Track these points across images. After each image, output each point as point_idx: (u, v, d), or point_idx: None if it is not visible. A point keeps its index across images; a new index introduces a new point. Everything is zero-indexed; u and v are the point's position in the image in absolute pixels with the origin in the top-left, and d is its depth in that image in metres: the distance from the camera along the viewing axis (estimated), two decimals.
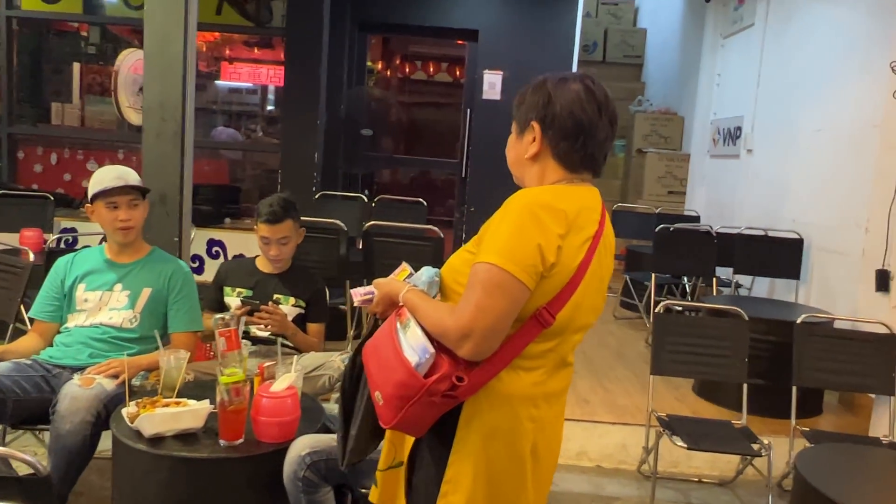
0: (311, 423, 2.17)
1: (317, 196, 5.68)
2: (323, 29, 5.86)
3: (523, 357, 1.40)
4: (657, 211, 6.75)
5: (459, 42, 8.47)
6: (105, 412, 2.25)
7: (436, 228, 3.81)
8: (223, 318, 2.08)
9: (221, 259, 5.89)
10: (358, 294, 1.60)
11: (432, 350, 1.32)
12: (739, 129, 6.19)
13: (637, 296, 5.38)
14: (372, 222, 3.82)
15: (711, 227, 5.14)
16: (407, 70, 11.16)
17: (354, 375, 1.55)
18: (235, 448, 2.01)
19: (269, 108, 7.74)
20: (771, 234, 5.02)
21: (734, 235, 4.93)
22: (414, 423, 1.37)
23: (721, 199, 6.56)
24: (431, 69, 11.42)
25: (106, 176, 2.60)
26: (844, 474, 2.34)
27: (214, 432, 2.05)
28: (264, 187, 7.37)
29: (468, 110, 7.12)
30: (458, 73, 11.54)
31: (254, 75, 7.38)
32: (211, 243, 5.91)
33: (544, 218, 1.35)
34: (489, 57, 6.96)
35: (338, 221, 3.69)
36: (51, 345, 2.63)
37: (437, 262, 3.67)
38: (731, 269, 4.96)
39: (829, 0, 4.85)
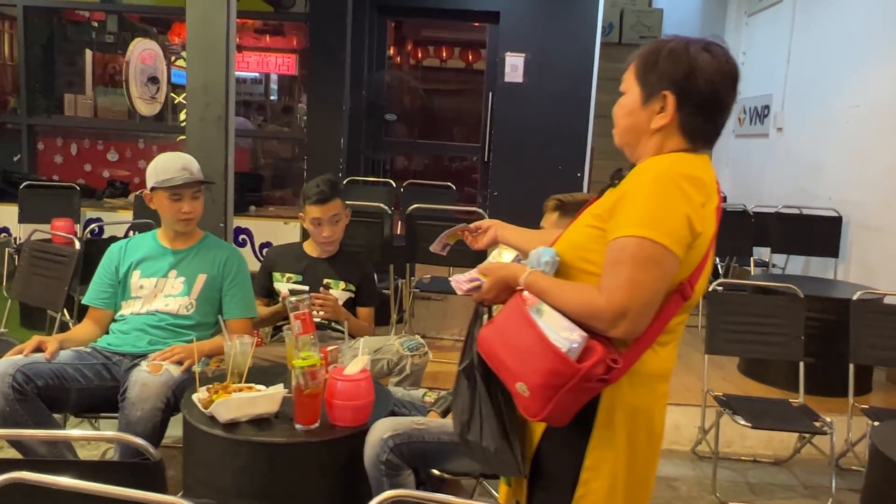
0: (382, 407, 2.15)
1: (344, 182, 5.63)
2: (347, 13, 5.79)
3: (662, 332, 1.36)
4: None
5: (476, 24, 8.41)
6: (174, 399, 2.22)
7: (481, 210, 3.76)
8: (296, 301, 2.05)
9: (248, 247, 5.86)
10: (461, 282, 1.50)
11: (584, 333, 1.27)
12: (768, 107, 6.12)
13: None
14: (415, 205, 3.78)
15: (746, 207, 5.09)
16: (419, 56, 11.09)
17: (473, 373, 1.48)
18: (312, 432, 1.98)
19: (272, 97, 7.69)
20: (806, 212, 4.97)
21: (770, 214, 4.89)
22: (562, 413, 1.31)
23: (748, 178, 6.51)
24: (444, 54, 11.35)
25: (171, 165, 2.56)
26: None
27: (288, 417, 2.03)
28: (284, 176, 7.34)
29: (490, 93, 7.06)
30: (470, 57, 11.46)
31: (262, 64, 7.33)
32: (237, 231, 5.88)
33: (687, 187, 1.30)
34: (511, 39, 6.89)
35: (381, 205, 3.65)
36: (106, 332, 2.61)
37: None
38: (767, 249, 4.91)
39: None
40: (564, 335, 1.28)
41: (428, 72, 10.28)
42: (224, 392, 2.04)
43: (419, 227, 3.63)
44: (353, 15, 6.30)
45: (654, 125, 1.40)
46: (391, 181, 5.66)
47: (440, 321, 4.55)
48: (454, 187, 5.52)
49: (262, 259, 3.07)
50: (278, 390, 2.03)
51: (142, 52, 6.46)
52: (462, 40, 10.56)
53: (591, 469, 1.37)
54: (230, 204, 3.29)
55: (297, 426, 1.99)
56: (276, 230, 5.86)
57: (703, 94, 1.38)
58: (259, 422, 2.01)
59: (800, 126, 5.54)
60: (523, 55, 6.89)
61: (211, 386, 2.10)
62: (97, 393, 2.37)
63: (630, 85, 1.43)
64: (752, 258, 4.86)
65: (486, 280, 1.46)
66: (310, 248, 2.94)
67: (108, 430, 2.86)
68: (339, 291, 2.87)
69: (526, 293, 1.39)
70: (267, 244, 5.77)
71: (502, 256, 1.54)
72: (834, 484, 2.85)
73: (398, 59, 9.99)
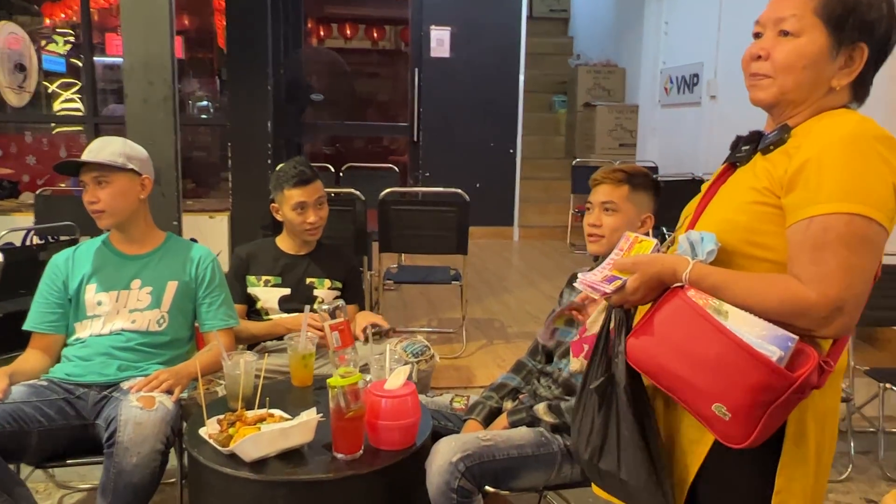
0: (425, 423, 1.86)
1: (272, 174, 5.18)
2: None
3: None
4: (616, 164, 6.68)
5: None
6: (173, 437, 1.85)
7: (461, 191, 3.50)
8: (332, 309, 1.72)
9: None
10: (595, 283, 1.23)
11: (793, 335, 1.04)
12: (697, 76, 6.15)
13: None
14: (389, 189, 3.45)
15: (695, 175, 5.09)
16: (322, 34, 10.58)
17: (612, 392, 1.24)
18: (357, 462, 1.67)
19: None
20: None
21: None
22: (766, 434, 1.08)
23: (678, 148, 6.55)
24: (348, 32, 10.88)
25: (86, 150, 2.15)
26: None
27: (321, 445, 1.71)
28: (201, 167, 6.77)
29: (416, 69, 6.76)
30: (375, 34, 11.06)
31: None
32: None
33: (884, 151, 1.08)
34: (435, 12, 6.61)
35: (355, 191, 3.31)
36: (58, 360, 2.17)
37: (463, 229, 3.37)
38: None
39: None
40: (774, 340, 1.04)
41: (344, 52, 9.81)
42: (243, 424, 1.70)
43: (393, 214, 3.33)
44: None
45: (837, 82, 1.17)
46: (329, 166, 5.27)
47: (403, 312, 4.27)
48: (397, 169, 5.21)
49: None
50: (312, 416, 1.70)
51: (6, 36, 5.69)
52: (370, 17, 10.15)
53: (783, 492, 1.16)
54: (180, 198, 2.86)
55: (339, 456, 1.67)
56: (202, 226, 5.35)
57: (889, 49, 1.18)
58: (288, 456, 1.68)
59: (736, 93, 5.57)
60: (449, 28, 6.63)
61: (222, 417, 1.74)
62: (62, 435, 1.96)
63: (808, 27, 1.16)
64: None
65: (629, 278, 1.20)
66: (285, 244, 2.59)
67: (73, 479, 2.42)
68: (324, 290, 2.53)
69: (692, 291, 1.14)
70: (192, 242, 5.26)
71: (642, 247, 1.27)
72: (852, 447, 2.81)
73: (312, 38, 9.48)
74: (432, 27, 6.60)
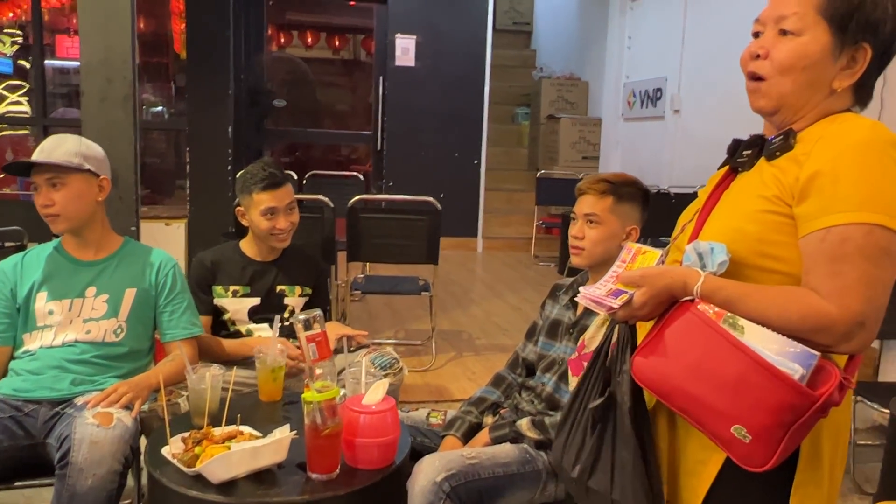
0: (403, 440, 1.76)
1: (238, 175, 5.03)
2: None
3: None
4: (580, 177, 6.70)
5: (352, 4, 7.95)
6: (132, 456, 1.71)
7: (432, 199, 3.41)
8: (308, 319, 1.62)
9: None
10: (600, 298, 1.15)
11: (814, 352, 0.99)
12: (660, 90, 6.21)
13: None
14: (358, 196, 3.35)
15: (661, 187, 5.11)
16: (282, 40, 10.42)
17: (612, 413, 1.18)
18: (335, 482, 1.56)
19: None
20: None
21: (690, 195, 4.91)
22: (787, 454, 1.02)
23: (640, 161, 6.59)
24: (309, 39, 10.74)
25: (38, 148, 2.00)
26: None
27: (295, 465, 1.60)
28: (156, 172, 6.56)
29: (380, 78, 6.67)
30: (337, 43, 10.95)
31: None
32: None
33: None
34: (401, 20, 6.55)
35: (324, 198, 3.20)
36: (4, 375, 2.01)
37: (434, 238, 3.29)
38: None
39: None
40: (796, 357, 0.98)
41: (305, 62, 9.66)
42: (210, 443, 1.58)
43: (362, 222, 3.22)
44: None
45: (839, 84, 1.12)
46: (292, 173, 5.13)
47: (368, 324, 4.15)
48: (361, 177, 5.11)
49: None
50: (285, 434, 1.59)
51: None
52: (331, 25, 10.04)
53: None
54: (139, 203, 2.72)
55: (314, 476, 1.56)
56: (158, 233, 5.16)
57: (893, 50, 1.13)
58: (259, 476, 1.56)
59: (699, 107, 5.66)
60: (414, 37, 6.58)
61: (186, 435, 1.62)
62: (8, 455, 1.82)
63: (810, 25, 1.11)
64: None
65: (637, 291, 1.13)
66: (251, 250, 2.44)
67: (19, 503, 2.24)
68: (295, 298, 2.42)
69: (703, 305, 1.08)
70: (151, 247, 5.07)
71: (647, 259, 1.20)
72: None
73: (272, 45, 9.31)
74: (398, 35, 6.54)
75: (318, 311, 1.72)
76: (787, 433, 0.98)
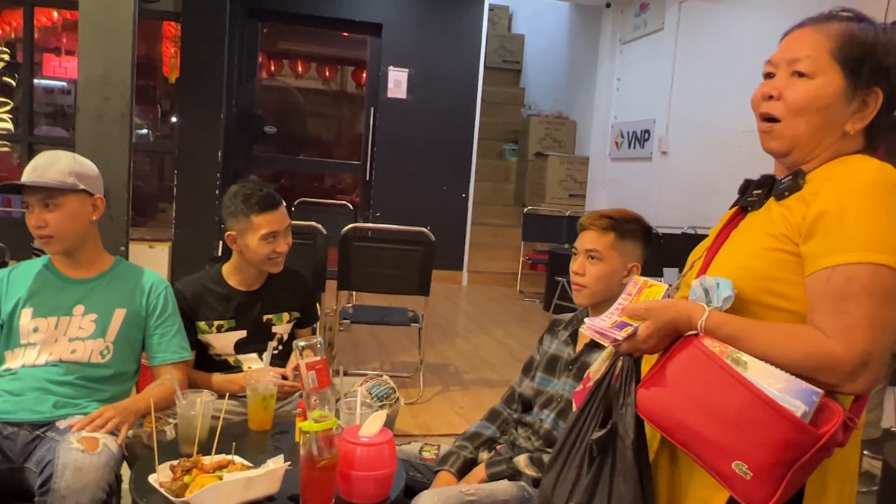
0: (400, 476, 1.71)
1: (226, 197, 4.99)
2: (225, 10, 5.19)
3: None
4: (567, 214, 6.74)
5: (346, 35, 8.00)
6: (116, 483, 1.64)
7: (426, 230, 3.39)
8: (309, 345, 1.57)
9: None
10: (605, 329, 1.14)
11: (818, 390, 0.98)
12: (648, 132, 6.30)
13: None
14: (352, 225, 3.32)
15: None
16: (272, 69, 10.45)
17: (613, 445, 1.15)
18: None
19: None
20: (700, 232, 5.09)
21: (678, 235, 4.95)
22: (789, 494, 1.00)
23: (627, 200, 6.65)
24: (300, 69, 10.78)
25: (30, 166, 1.95)
26: None
27: (287, 497, 1.55)
28: (142, 194, 6.49)
29: (371, 109, 6.70)
30: (327, 73, 11.00)
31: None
32: None
33: None
34: (394, 53, 6.60)
35: (317, 224, 3.16)
36: None
37: (426, 270, 3.27)
38: (674, 269, 4.97)
39: (747, 6, 5.02)
40: (799, 395, 0.98)
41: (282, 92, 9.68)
42: (200, 472, 1.52)
43: (354, 250, 3.19)
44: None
45: (851, 126, 1.14)
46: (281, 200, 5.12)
47: (353, 354, 4.10)
48: (350, 206, 5.10)
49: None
50: (279, 464, 1.54)
51: None
52: (325, 56, 10.09)
53: None
54: (129, 223, 2.67)
55: None
56: (142, 255, 5.07)
57: None
58: None
59: (687, 149, 5.73)
60: (406, 70, 6.63)
61: (175, 463, 1.56)
62: None
63: (824, 69, 1.13)
64: (661, 279, 4.88)
65: (642, 324, 1.12)
66: (235, 278, 2.27)
67: None
68: (283, 325, 2.31)
69: (707, 340, 1.07)
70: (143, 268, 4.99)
71: (652, 293, 1.20)
72: None
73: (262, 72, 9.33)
74: (390, 68, 6.58)
75: (318, 339, 1.67)
76: (789, 471, 0.97)
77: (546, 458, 1.77)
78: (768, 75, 1.23)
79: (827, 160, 1.16)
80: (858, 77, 1.12)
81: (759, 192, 1.22)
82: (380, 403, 2.20)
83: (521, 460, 1.78)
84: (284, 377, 2.09)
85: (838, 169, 1.12)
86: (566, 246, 6.30)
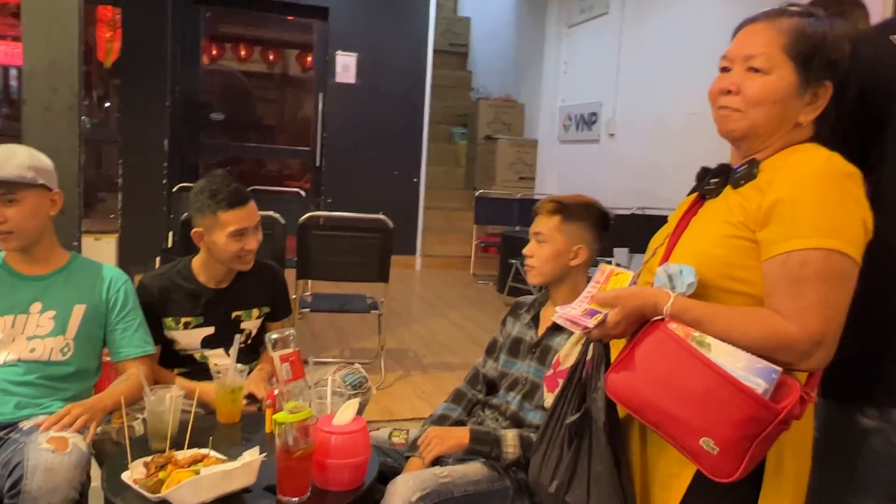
0: (374, 463, 1.74)
1: (174, 189, 4.90)
2: None
3: None
4: (518, 197, 6.82)
5: (290, 18, 7.87)
6: (87, 483, 1.63)
7: (384, 217, 3.40)
8: (281, 338, 1.58)
9: None
10: (576, 318, 1.20)
11: (777, 368, 1.05)
12: (595, 114, 6.41)
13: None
14: (309, 214, 3.31)
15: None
16: (214, 53, 10.20)
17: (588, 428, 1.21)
18: None
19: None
20: (649, 212, 5.23)
21: (628, 217, 5.07)
22: (753, 465, 1.07)
23: (576, 182, 6.76)
24: (243, 53, 10.56)
25: None
26: None
27: (263, 488, 1.56)
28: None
29: (320, 94, 6.63)
30: (271, 57, 10.80)
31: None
32: None
33: (852, 187, 1.12)
34: (342, 37, 6.54)
35: (274, 214, 3.14)
36: None
37: (385, 256, 3.28)
38: (625, 249, 5.09)
39: None
40: (759, 372, 1.05)
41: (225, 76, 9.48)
42: (176, 467, 1.52)
43: (313, 239, 3.18)
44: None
45: (804, 118, 1.21)
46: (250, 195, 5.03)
47: (312, 342, 4.09)
48: (302, 193, 5.06)
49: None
50: (255, 456, 1.55)
51: None
52: (265, 38, 9.90)
53: None
54: (81, 217, 2.61)
55: (284, 499, 1.53)
56: (86, 248, 4.93)
57: (847, 87, 1.22)
58: (227, 501, 1.51)
59: (633, 132, 5.86)
60: (355, 55, 6.57)
61: (149, 459, 1.56)
62: None
63: (778, 64, 1.19)
64: (613, 259, 4.99)
65: (611, 311, 1.18)
66: (205, 275, 2.20)
67: None
68: (252, 321, 2.26)
69: (672, 324, 1.13)
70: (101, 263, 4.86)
71: (619, 280, 1.26)
72: None
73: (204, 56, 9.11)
74: (338, 52, 6.51)
75: (291, 331, 1.68)
76: (752, 445, 1.04)
77: (491, 425, 1.83)
78: (724, 69, 1.28)
79: (780, 149, 1.22)
80: (810, 71, 1.18)
81: (717, 180, 1.28)
82: (353, 392, 2.21)
83: (510, 436, 1.81)
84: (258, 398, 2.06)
85: (791, 158, 1.19)
86: (517, 228, 6.38)
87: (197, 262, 2.22)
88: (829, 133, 1.27)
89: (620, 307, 1.17)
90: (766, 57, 1.20)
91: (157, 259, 4.50)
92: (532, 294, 2.19)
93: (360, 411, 2.18)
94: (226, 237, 2.09)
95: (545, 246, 1.90)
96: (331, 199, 6.61)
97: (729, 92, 1.24)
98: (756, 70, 1.20)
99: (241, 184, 2.18)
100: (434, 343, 4.32)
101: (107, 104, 6.78)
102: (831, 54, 1.18)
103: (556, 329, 1.90)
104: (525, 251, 1.95)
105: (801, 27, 1.19)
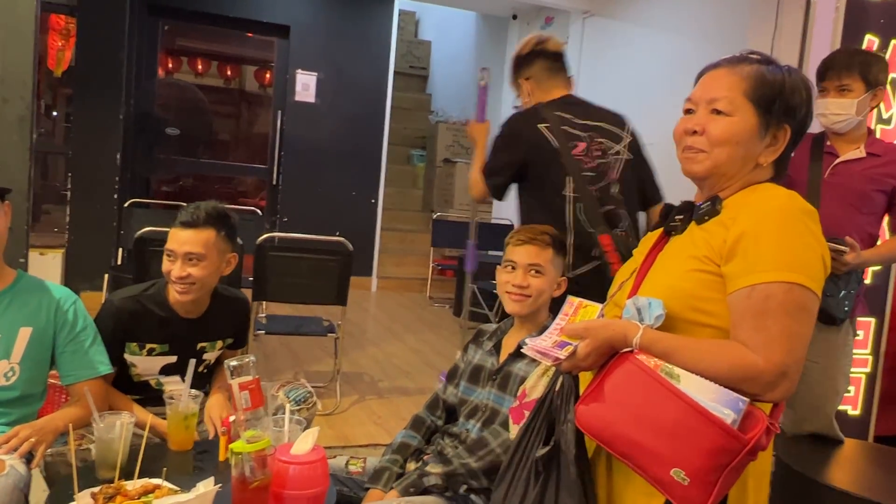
0: (332, 494, 1.70)
1: (126, 205, 4.77)
2: (125, 7, 4.97)
3: None
4: (476, 220, 6.83)
5: (250, 35, 7.81)
6: None
7: (344, 240, 3.36)
8: (240, 364, 1.54)
9: None
10: (546, 349, 1.21)
11: (744, 398, 1.07)
12: None
13: (487, 305, 5.32)
14: (267, 234, 3.25)
15: None
16: (170, 66, 10.05)
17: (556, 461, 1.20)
18: None
19: None
20: None
21: None
22: (721, 495, 1.08)
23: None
24: (200, 67, 10.43)
25: None
26: None
27: None
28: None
29: (279, 111, 6.57)
30: (229, 73, 10.69)
31: None
32: None
33: (811, 225, 1.17)
34: (302, 56, 6.50)
35: None
36: None
37: (344, 279, 3.25)
38: None
39: (650, 25, 5.28)
40: (727, 403, 1.07)
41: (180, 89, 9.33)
42: (126, 498, 1.46)
43: (271, 260, 3.12)
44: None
45: (764, 159, 1.26)
46: (183, 204, 4.92)
47: (265, 365, 4.00)
48: (259, 211, 4.98)
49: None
50: (210, 487, 1.50)
51: None
52: (224, 54, 9.80)
53: None
54: (28, 233, 2.52)
55: None
56: (32, 264, 4.76)
57: (804, 131, 1.29)
58: None
59: None
60: (315, 74, 6.55)
61: (97, 490, 1.49)
62: None
63: (740, 107, 1.25)
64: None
65: (580, 343, 1.19)
66: (177, 303, 2.09)
67: None
68: (214, 352, 2.19)
69: (642, 356, 1.14)
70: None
71: (588, 313, 1.27)
72: None
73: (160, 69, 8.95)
74: (298, 71, 6.48)
75: (251, 358, 1.64)
76: (721, 475, 1.05)
77: (452, 455, 1.82)
78: (688, 111, 1.33)
79: (741, 188, 1.27)
80: (770, 115, 1.24)
81: (681, 217, 1.32)
82: (297, 407, 2.16)
83: (431, 468, 1.81)
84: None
85: (752, 196, 1.23)
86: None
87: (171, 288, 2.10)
88: (786, 172, 1.32)
89: (591, 338, 1.19)
90: (728, 100, 1.25)
91: (105, 276, 4.37)
92: (488, 318, 2.19)
93: (307, 426, 2.13)
94: (164, 253, 2.03)
95: (542, 278, 1.90)
96: (287, 218, 6.54)
97: (694, 132, 1.28)
98: (719, 112, 1.25)
99: (209, 213, 2.06)
100: (390, 367, 4.27)
101: (54, 113, 6.60)
102: (790, 100, 1.24)
103: (517, 356, 1.90)
104: (517, 281, 1.90)
105: (761, 73, 1.25)
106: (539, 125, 2.40)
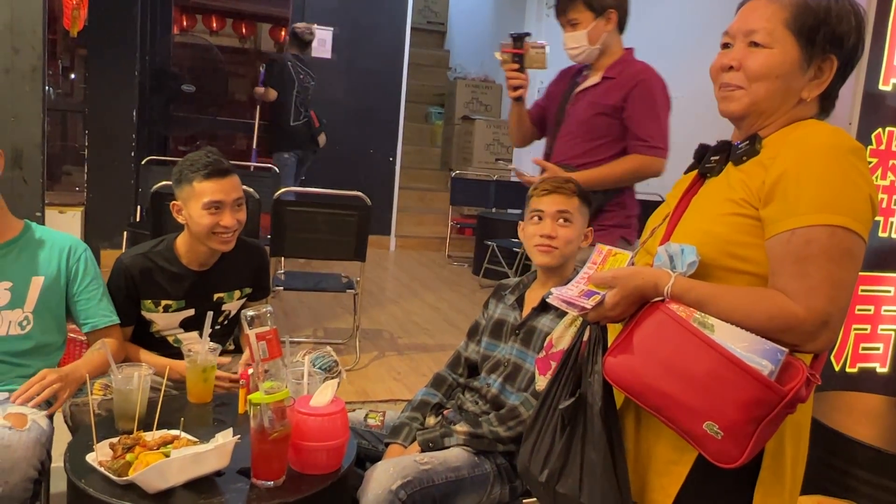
0: (352, 446, 1.68)
1: (143, 163, 4.75)
2: None
3: None
4: (495, 178, 6.76)
5: None
6: (49, 461, 1.54)
7: (362, 194, 3.31)
8: (258, 315, 1.50)
9: None
10: (572, 298, 1.15)
11: (782, 348, 1.01)
12: None
13: (507, 263, 5.27)
14: (283, 189, 3.20)
15: None
16: (185, 24, 9.95)
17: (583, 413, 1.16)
18: (281, 490, 1.47)
19: None
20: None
21: None
22: (758, 450, 1.04)
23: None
24: (214, 24, 10.31)
25: None
26: None
27: (236, 471, 1.50)
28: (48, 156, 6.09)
29: None
30: (244, 30, 10.56)
31: None
32: None
33: (858, 163, 1.08)
34: (318, 11, 6.38)
35: (248, 188, 3.03)
36: None
37: (363, 235, 3.20)
38: None
39: None
40: (765, 354, 1.01)
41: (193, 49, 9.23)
42: (144, 449, 1.44)
43: (289, 215, 3.08)
44: None
45: (807, 93, 1.17)
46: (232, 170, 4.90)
47: (284, 322, 4.00)
48: (277, 169, 4.94)
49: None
50: (229, 438, 1.48)
51: None
52: (236, 10, 9.68)
53: None
54: (45, 186, 2.49)
55: (258, 483, 1.46)
56: (52, 222, 4.77)
57: (855, 62, 1.18)
58: (197, 485, 1.44)
59: None
60: (331, 29, 6.42)
61: (115, 441, 1.48)
62: None
63: (780, 39, 1.15)
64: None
65: (609, 292, 1.13)
66: (189, 256, 2.08)
67: None
68: (233, 303, 2.17)
69: (673, 305, 1.08)
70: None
71: (617, 261, 1.21)
72: None
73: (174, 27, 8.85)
74: (314, 26, 6.35)
75: (268, 308, 1.60)
76: (757, 429, 1.00)
77: (483, 418, 1.78)
78: (725, 45, 1.24)
79: (783, 125, 1.19)
80: (813, 46, 1.15)
81: (717, 158, 1.24)
82: (322, 376, 2.15)
83: (458, 427, 1.79)
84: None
85: (795, 133, 1.15)
86: (493, 210, 6.33)
87: (180, 243, 2.10)
88: (833, 108, 1.24)
89: (619, 288, 1.13)
90: (767, 31, 1.16)
91: (125, 233, 4.37)
92: (508, 276, 2.14)
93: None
94: (200, 209, 1.98)
95: (570, 227, 1.84)
96: (304, 177, 6.48)
97: (731, 68, 1.19)
98: (758, 45, 1.17)
99: (224, 158, 2.05)
100: (409, 324, 4.26)
101: (72, 75, 6.56)
102: (836, 27, 1.15)
103: (541, 310, 1.85)
104: (545, 231, 1.84)
105: (804, 1, 1.15)
106: None
